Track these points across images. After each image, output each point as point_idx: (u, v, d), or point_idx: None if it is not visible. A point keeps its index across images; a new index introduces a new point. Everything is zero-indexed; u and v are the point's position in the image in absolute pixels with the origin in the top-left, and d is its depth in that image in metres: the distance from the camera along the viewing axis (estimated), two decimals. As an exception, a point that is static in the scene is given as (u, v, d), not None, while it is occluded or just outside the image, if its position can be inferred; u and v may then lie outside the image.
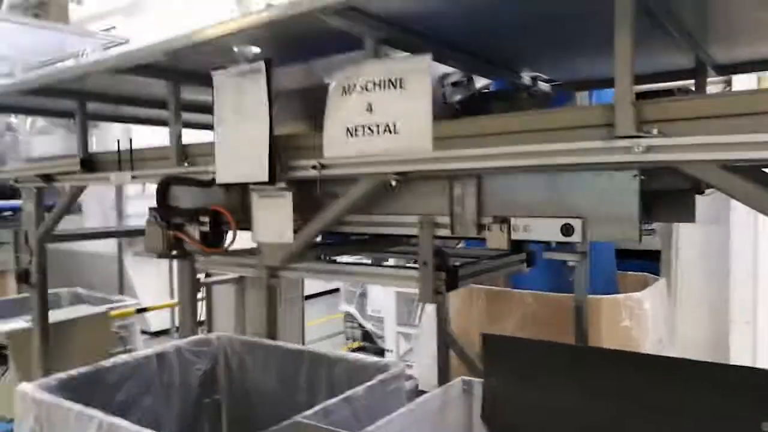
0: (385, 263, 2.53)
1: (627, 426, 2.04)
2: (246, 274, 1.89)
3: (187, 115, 2.13)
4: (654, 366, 2.11)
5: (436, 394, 2.33)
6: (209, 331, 3.63)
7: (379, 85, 1.48)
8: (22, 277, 2.68)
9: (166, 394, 2.89)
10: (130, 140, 2.15)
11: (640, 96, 1.16)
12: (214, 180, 1.81)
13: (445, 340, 3.18)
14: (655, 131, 1.10)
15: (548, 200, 1.36)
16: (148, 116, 2.64)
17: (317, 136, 1.62)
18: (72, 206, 2.60)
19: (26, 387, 2.35)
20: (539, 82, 2.19)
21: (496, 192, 1.44)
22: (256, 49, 1.71)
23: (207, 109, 2.45)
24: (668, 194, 1.59)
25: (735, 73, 2.08)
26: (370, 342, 5.89)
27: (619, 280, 3.52)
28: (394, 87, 1.47)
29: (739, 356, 3.33)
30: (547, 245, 1.43)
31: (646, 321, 2.92)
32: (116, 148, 2.19)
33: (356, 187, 1.57)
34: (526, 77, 2.12)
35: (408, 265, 2.24)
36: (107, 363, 2.67)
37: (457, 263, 1.65)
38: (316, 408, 2.08)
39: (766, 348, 3.30)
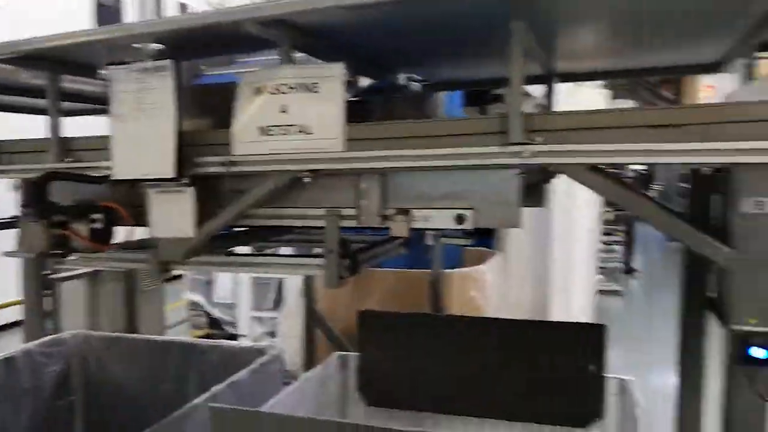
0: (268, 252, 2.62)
1: (483, 379, 2.40)
2: (138, 268, 1.87)
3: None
4: (503, 327, 2.50)
5: (317, 371, 2.51)
6: (56, 330, 3.39)
7: (294, 88, 1.59)
8: None
9: (14, 401, 2.70)
10: None
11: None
12: (108, 176, 1.78)
13: (313, 320, 3.35)
14: (540, 139, 1.38)
15: (443, 193, 1.59)
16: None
17: (224, 133, 1.68)
18: None
19: None
20: (412, 83, 2.42)
21: (398, 186, 1.63)
22: (158, 46, 1.71)
23: (73, 97, 2.33)
24: (528, 185, 1.91)
25: (575, 81, 2.51)
26: (218, 329, 5.83)
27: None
28: (309, 91, 1.59)
29: (557, 318, 3.96)
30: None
31: (489, 291, 3.37)
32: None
33: (266, 182, 1.67)
34: (402, 78, 2.34)
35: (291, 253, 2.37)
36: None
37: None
38: (205, 395, 2.13)
39: (577, 312, 3.97)
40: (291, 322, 3.64)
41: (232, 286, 5.83)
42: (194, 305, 5.92)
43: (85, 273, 3.33)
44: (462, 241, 1.64)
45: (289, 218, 1.75)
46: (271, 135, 1.62)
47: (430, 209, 1.59)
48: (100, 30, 1.60)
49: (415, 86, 2.42)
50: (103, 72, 2.08)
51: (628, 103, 9.86)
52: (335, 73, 1.59)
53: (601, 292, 7.21)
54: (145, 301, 3.34)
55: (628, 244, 9.62)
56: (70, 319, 3.39)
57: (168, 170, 1.67)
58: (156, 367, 2.86)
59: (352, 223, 1.68)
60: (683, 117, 1.33)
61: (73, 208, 1.82)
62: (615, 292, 8.02)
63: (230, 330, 5.63)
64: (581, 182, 1.41)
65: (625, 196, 1.43)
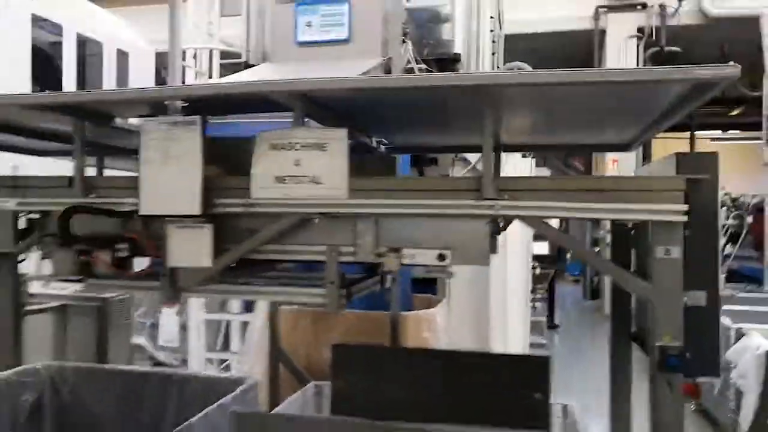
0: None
1: (444, 405, 2.73)
2: (154, 294, 2.10)
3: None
4: (461, 359, 2.87)
5: (296, 398, 2.77)
6: (18, 363, 3.43)
7: (306, 146, 1.95)
8: None
9: (-7, 429, 2.78)
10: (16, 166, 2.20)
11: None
12: (132, 212, 2.04)
13: (277, 357, 3.58)
14: (507, 196, 1.79)
15: (428, 236, 1.96)
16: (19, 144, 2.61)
17: (241, 179, 2.00)
18: None
19: None
20: (381, 146, 2.84)
21: (389, 228, 1.99)
22: (183, 103, 2.03)
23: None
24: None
25: (516, 151, 3.00)
26: (162, 373, 5.84)
27: (409, 301, 4.32)
28: (318, 149, 1.95)
29: (495, 357, 4.35)
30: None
31: (439, 331, 3.73)
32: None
33: (279, 222, 1.99)
34: (374, 141, 2.75)
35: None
36: (-69, 398, 2.53)
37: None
38: (200, 414, 2.33)
39: (514, 348, 4.38)
40: (253, 359, 3.84)
41: (177, 329, 5.92)
42: (138, 348, 5.93)
43: (52, 307, 3.43)
44: (442, 274, 1.98)
45: (294, 253, 2.07)
46: (286, 183, 1.96)
47: (416, 248, 1.96)
48: (149, 90, 1.90)
49: (381, 148, 2.84)
50: (118, 121, 2.37)
51: (543, 171, 10.88)
52: (341, 135, 1.97)
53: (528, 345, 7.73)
54: (114, 337, 3.46)
55: (550, 301, 10.30)
56: (33, 352, 3.44)
57: (194, 209, 1.96)
58: (132, 397, 2.98)
59: (350, 259, 2.01)
60: (608, 185, 1.79)
61: (100, 238, 2.06)
62: (540, 345, 8.57)
63: (176, 374, 5.67)
64: (537, 230, 1.82)
65: (570, 241, 1.86)
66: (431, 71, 3.68)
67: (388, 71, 2.92)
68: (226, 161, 2.22)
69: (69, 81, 7.82)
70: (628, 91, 1.78)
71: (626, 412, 2.35)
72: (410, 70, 3.53)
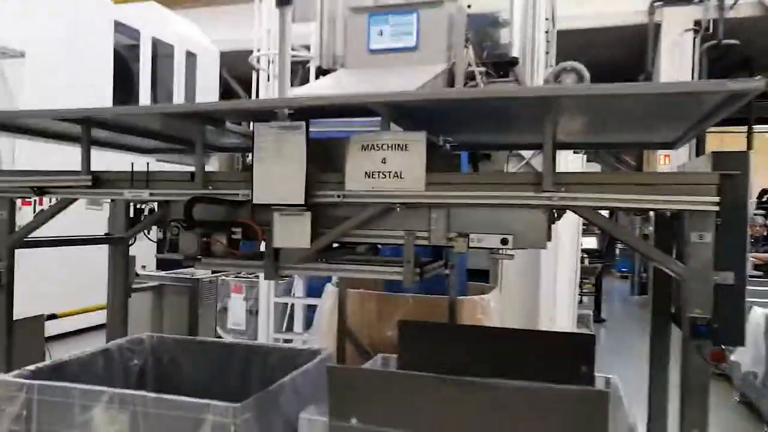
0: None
1: (501, 377, 3.06)
2: (258, 272, 2.51)
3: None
4: (516, 335, 3.20)
5: (367, 367, 3.14)
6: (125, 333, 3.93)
7: (391, 147, 2.32)
8: (-8, 280, 2.87)
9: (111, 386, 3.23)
10: (147, 164, 2.65)
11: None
12: (244, 201, 2.45)
13: (344, 334, 3.98)
14: (563, 189, 2.12)
15: (492, 222, 2.30)
16: (141, 145, 3.07)
17: (335, 174, 2.39)
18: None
19: (5, 376, 2.64)
20: (446, 143, 3.19)
21: (459, 216, 2.34)
22: (290, 111, 2.43)
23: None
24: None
25: (569, 149, 3.32)
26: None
27: (463, 287, 4.66)
28: (401, 149, 2.32)
29: (544, 342, 4.65)
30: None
31: (492, 315, 4.06)
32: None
33: (366, 210, 2.37)
34: (441, 140, 3.10)
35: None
36: (66, 357, 3.02)
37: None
38: (289, 376, 2.74)
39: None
40: (321, 338, 4.26)
41: (244, 314, 6.42)
42: (209, 330, 6.46)
43: (152, 286, 3.91)
44: (502, 257, 2.30)
45: (378, 237, 2.44)
46: (374, 178, 2.33)
47: (482, 234, 2.30)
48: (270, 101, 2.30)
49: (447, 146, 3.18)
50: (228, 124, 2.79)
51: (595, 166, 10.99)
52: (420, 138, 2.34)
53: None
54: (203, 313, 3.92)
55: (597, 295, 10.46)
56: (134, 325, 3.94)
57: (299, 199, 2.36)
58: (221, 366, 3.43)
59: (425, 242, 2.37)
60: (651, 179, 2.10)
61: (217, 223, 2.48)
62: (586, 337, 8.77)
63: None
64: (589, 220, 2.15)
65: (619, 230, 2.17)
66: (490, 73, 4.00)
67: (452, 75, 3.26)
68: (315, 158, 2.61)
69: (145, 83, 8.43)
70: (669, 100, 2.08)
71: (663, 384, 2.64)
72: (471, 74, 3.86)
